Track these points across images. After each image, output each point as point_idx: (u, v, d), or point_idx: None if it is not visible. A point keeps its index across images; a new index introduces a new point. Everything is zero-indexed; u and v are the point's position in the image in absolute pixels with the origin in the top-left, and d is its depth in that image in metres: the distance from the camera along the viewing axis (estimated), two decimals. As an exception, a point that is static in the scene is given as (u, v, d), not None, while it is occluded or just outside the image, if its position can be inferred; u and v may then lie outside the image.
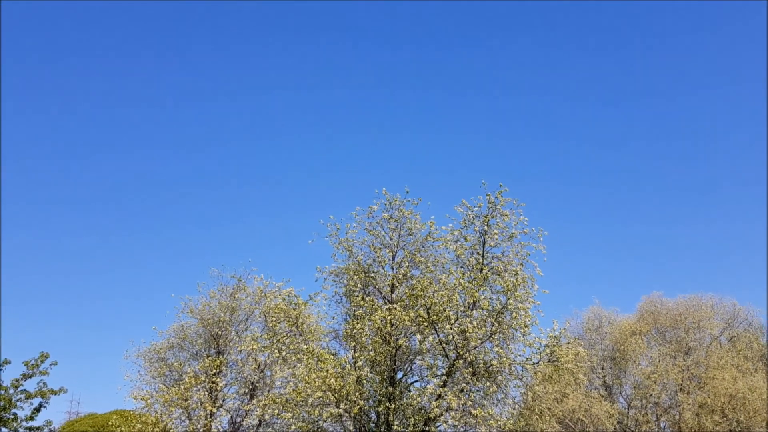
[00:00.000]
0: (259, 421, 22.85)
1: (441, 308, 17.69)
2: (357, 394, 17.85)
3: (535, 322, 18.03)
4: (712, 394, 29.67)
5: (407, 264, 20.05)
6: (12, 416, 18.97)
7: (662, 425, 31.89)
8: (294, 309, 19.96)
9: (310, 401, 17.56)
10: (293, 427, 18.18)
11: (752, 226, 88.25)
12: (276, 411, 18.58)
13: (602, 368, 33.59)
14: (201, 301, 25.91)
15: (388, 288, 20.31)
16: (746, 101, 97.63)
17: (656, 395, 31.20)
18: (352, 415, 18.01)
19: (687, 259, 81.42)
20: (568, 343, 18.48)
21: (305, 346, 18.83)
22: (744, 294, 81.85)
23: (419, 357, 18.94)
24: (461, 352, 17.84)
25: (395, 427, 18.15)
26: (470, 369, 17.84)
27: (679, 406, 30.56)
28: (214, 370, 23.86)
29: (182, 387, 22.95)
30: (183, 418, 23.36)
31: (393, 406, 18.34)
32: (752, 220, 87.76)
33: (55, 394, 24.55)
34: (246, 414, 23.50)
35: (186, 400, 22.98)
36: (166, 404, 22.80)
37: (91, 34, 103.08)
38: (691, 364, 32.01)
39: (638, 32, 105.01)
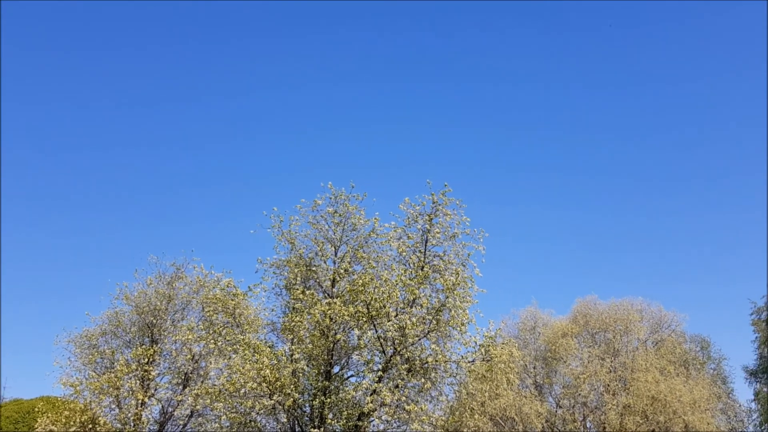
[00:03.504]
0: (191, 411, 22.56)
1: (381, 304, 17.87)
2: (292, 386, 17.85)
3: (472, 320, 18.44)
4: (636, 395, 30.84)
5: (349, 259, 20.15)
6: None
7: (588, 425, 33.00)
8: (232, 300, 19.80)
9: (243, 392, 17.47)
10: (224, 418, 18.04)
11: (701, 224, 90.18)
12: (209, 401, 18.40)
13: (534, 368, 34.47)
14: (137, 288, 25.33)
15: (329, 282, 20.38)
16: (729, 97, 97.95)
17: (585, 395, 32.21)
18: (286, 407, 17.99)
19: (629, 260, 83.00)
20: (503, 343, 18.96)
21: (242, 337, 18.70)
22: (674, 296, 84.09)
23: (357, 352, 19.06)
24: (398, 349, 18.08)
25: (329, 421, 18.24)
26: (406, 365, 18.10)
27: (605, 406, 31.67)
28: (147, 359, 23.42)
29: (113, 375, 22.45)
30: (113, 406, 22.88)
31: (328, 400, 18.42)
32: (700, 219, 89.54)
33: (-23, 379, 23.64)
34: (178, 404, 23.15)
35: (117, 388, 22.50)
36: (95, 392, 22.27)
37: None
38: (618, 366, 33.20)
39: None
